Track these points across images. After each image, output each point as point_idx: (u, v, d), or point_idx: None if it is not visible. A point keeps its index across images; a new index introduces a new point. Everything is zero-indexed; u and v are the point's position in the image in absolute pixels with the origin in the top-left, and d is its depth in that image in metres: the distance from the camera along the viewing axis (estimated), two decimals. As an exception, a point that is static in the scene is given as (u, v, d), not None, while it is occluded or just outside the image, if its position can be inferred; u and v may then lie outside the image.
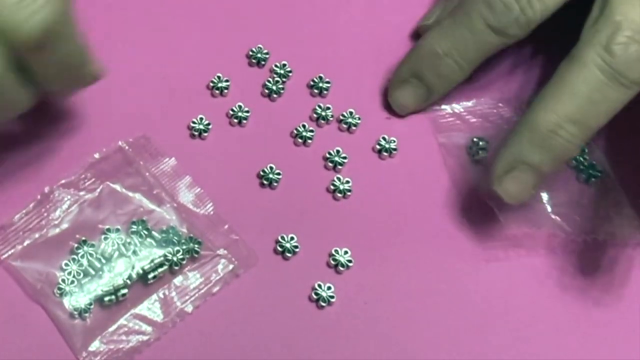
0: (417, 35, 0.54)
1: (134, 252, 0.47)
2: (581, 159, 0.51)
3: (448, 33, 0.49)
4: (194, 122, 0.50)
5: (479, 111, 0.52)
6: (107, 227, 0.47)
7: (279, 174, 0.50)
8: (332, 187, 0.50)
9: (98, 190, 0.48)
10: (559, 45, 0.51)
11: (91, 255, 0.46)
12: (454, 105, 0.52)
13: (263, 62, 0.53)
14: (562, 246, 0.50)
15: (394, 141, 0.51)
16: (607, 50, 0.45)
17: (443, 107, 0.52)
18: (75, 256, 0.46)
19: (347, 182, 0.50)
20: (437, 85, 0.51)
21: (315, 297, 0.47)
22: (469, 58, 0.49)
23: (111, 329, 0.45)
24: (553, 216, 0.49)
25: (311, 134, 0.51)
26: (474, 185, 0.50)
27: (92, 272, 0.46)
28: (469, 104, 0.52)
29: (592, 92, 0.45)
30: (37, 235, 0.47)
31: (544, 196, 0.50)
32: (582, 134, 0.45)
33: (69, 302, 0.46)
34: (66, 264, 0.46)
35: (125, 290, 0.46)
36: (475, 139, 0.51)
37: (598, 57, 0.45)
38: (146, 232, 0.47)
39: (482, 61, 0.50)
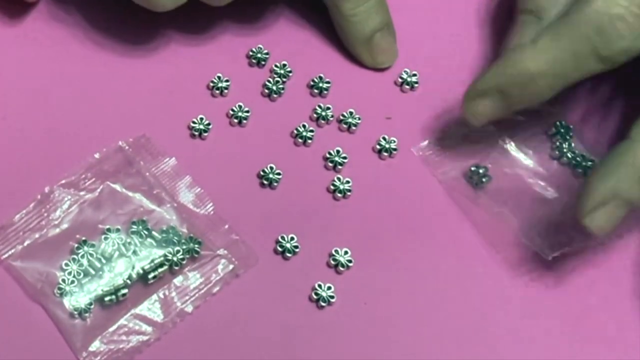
0: (414, 35, 0.54)
1: (134, 252, 0.47)
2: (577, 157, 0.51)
3: (547, 55, 0.46)
4: (194, 122, 0.50)
5: (463, 134, 0.51)
6: (107, 227, 0.47)
7: (279, 174, 0.50)
8: (332, 187, 0.50)
9: (98, 190, 0.48)
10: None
11: (91, 255, 0.46)
12: (435, 136, 0.51)
13: (263, 62, 0.53)
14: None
15: (394, 141, 0.51)
16: None
17: (427, 143, 0.51)
18: (75, 256, 0.46)
19: (347, 182, 0.50)
20: (520, 103, 0.48)
21: (315, 297, 0.47)
22: (563, 81, 0.47)
23: (111, 329, 0.45)
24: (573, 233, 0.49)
25: (311, 134, 0.51)
26: (486, 210, 0.50)
27: (92, 272, 0.46)
28: (450, 128, 0.51)
29: None
30: (37, 235, 0.47)
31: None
32: None
33: (69, 302, 0.46)
34: (66, 264, 0.46)
35: (125, 290, 0.46)
36: (473, 168, 0.50)
37: None
38: (146, 232, 0.47)
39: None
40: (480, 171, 0.50)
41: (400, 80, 0.53)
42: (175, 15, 0.51)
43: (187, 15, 0.53)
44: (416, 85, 0.53)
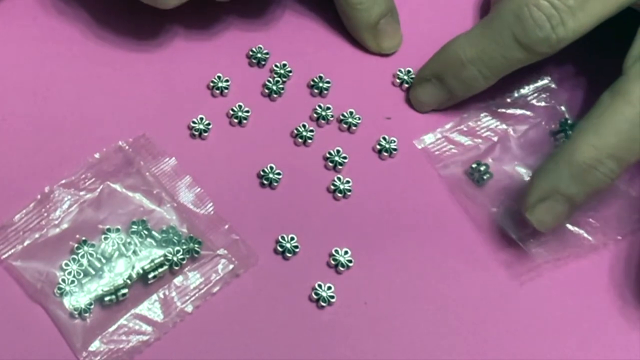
0: (413, 35, 0.54)
1: (134, 252, 0.47)
2: None
3: (475, 42, 0.49)
4: (194, 122, 0.50)
5: (466, 128, 0.52)
6: (107, 227, 0.47)
7: (279, 174, 0.50)
8: (332, 187, 0.50)
9: (98, 190, 0.48)
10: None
11: (91, 255, 0.46)
12: (438, 130, 0.52)
13: (263, 62, 0.53)
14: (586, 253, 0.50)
15: (394, 141, 0.51)
16: None
17: (430, 136, 0.51)
18: (75, 256, 0.46)
19: (347, 182, 0.50)
20: (458, 90, 0.51)
21: (315, 297, 0.47)
22: (493, 69, 0.49)
23: (111, 329, 0.45)
24: (573, 229, 0.49)
25: (311, 134, 0.51)
26: (485, 209, 0.50)
27: (92, 272, 0.46)
28: (453, 123, 0.52)
29: (634, 129, 0.45)
30: (37, 235, 0.47)
31: None
32: (619, 169, 0.46)
33: (69, 302, 0.46)
34: (66, 264, 0.46)
35: (125, 290, 0.46)
36: (474, 165, 0.50)
37: None
38: (146, 232, 0.47)
39: (508, 73, 0.49)
40: (482, 168, 0.50)
41: (399, 80, 0.53)
42: (176, 15, 0.51)
43: (187, 16, 0.53)
44: (416, 85, 0.53)
